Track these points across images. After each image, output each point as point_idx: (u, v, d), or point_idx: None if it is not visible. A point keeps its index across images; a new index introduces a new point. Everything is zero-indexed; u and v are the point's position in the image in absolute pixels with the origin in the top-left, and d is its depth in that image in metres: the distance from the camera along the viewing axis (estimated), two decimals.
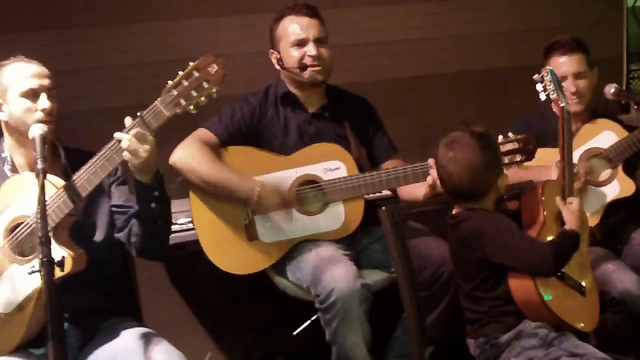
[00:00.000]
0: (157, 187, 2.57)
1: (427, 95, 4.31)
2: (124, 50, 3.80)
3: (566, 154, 2.82)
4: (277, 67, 3.31)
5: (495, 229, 2.60)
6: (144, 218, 2.60)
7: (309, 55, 3.22)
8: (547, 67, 2.97)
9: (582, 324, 2.65)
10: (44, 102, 2.59)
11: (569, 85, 3.35)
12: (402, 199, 3.33)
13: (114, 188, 2.74)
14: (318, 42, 3.24)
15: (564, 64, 3.38)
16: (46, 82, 2.62)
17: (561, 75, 3.33)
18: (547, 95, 2.91)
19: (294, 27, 3.25)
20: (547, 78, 2.92)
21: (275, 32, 3.31)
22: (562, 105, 2.86)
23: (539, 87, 2.94)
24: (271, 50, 3.34)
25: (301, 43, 3.23)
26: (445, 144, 2.69)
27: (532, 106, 3.29)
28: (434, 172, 2.99)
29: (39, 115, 2.58)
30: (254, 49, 3.79)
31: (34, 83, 2.60)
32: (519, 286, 2.58)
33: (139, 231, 2.64)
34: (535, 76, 2.95)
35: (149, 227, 2.62)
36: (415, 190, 3.16)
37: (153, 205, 2.57)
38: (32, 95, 2.60)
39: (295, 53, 3.23)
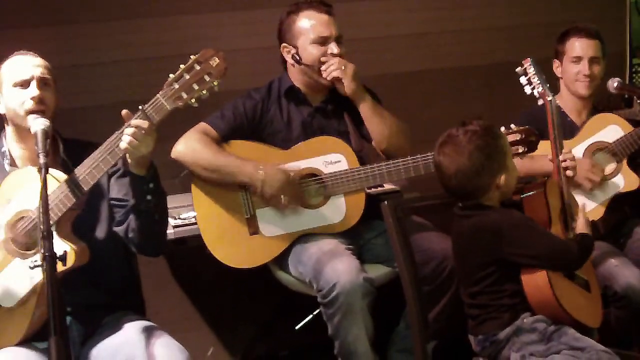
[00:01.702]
0: (151, 179, 2.58)
1: (429, 90, 4.30)
2: (124, 46, 3.79)
3: (558, 147, 2.85)
4: (291, 61, 3.27)
5: (514, 226, 2.57)
6: (140, 212, 2.60)
7: (331, 54, 3.20)
8: (528, 58, 2.97)
9: (591, 321, 2.66)
10: (32, 90, 2.59)
11: (583, 68, 3.41)
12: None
13: (114, 181, 2.73)
14: (337, 40, 3.23)
15: (582, 46, 3.43)
16: (38, 71, 2.62)
17: (577, 56, 3.42)
18: (533, 89, 2.92)
19: (315, 23, 3.21)
20: (531, 70, 2.93)
21: (292, 26, 3.25)
22: (549, 99, 2.87)
23: (522, 80, 2.95)
24: (284, 44, 3.29)
25: (324, 41, 3.21)
26: (439, 143, 2.67)
27: (534, 101, 3.28)
28: None
29: (30, 104, 2.58)
30: (256, 45, 3.79)
31: (26, 73, 2.61)
32: (534, 288, 2.57)
33: (136, 226, 2.64)
34: (518, 69, 2.96)
35: (146, 221, 2.62)
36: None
37: (149, 197, 2.58)
38: (24, 85, 2.60)
39: (317, 51, 3.21)
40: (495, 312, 2.59)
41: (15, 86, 2.61)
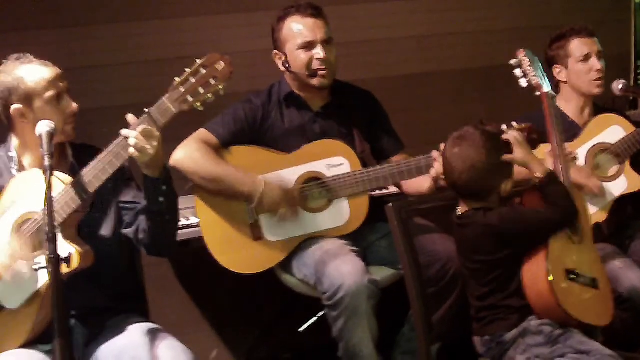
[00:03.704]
0: (164, 182, 2.57)
1: (431, 93, 4.32)
2: (126, 49, 3.80)
3: (557, 139, 2.79)
4: (283, 69, 3.27)
5: (506, 217, 2.61)
6: (152, 213, 2.60)
7: (317, 59, 3.18)
8: (524, 49, 2.93)
9: (601, 320, 2.66)
10: (72, 104, 2.62)
11: (594, 63, 3.38)
12: (407, 193, 3.31)
13: (122, 184, 2.73)
14: (325, 43, 3.20)
15: (587, 43, 3.40)
16: (65, 82, 2.63)
17: (585, 54, 3.38)
18: (529, 82, 2.87)
19: (300, 29, 3.19)
20: (526, 62, 2.88)
21: (279, 33, 3.25)
22: (545, 91, 2.83)
23: (517, 72, 2.90)
24: (275, 52, 3.29)
25: (309, 46, 3.19)
26: (454, 138, 2.68)
27: (536, 103, 3.28)
28: (437, 165, 2.98)
29: (69, 118, 2.61)
30: (257, 47, 3.79)
31: (58, 87, 2.59)
32: (537, 296, 2.57)
33: (146, 227, 2.63)
34: (512, 61, 2.91)
35: (157, 222, 2.62)
36: (421, 184, 3.15)
37: (161, 199, 2.57)
38: (58, 99, 2.59)
39: (303, 56, 3.19)
40: (504, 313, 2.60)
41: (49, 102, 2.57)
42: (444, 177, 2.79)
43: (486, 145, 2.62)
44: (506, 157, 2.65)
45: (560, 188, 2.66)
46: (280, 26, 3.25)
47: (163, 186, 2.57)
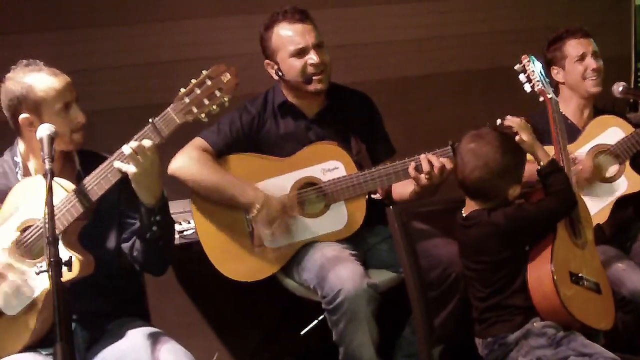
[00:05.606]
0: (159, 212, 2.54)
1: (432, 94, 4.32)
2: (124, 51, 3.79)
3: (561, 144, 2.82)
4: (276, 77, 3.24)
5: (510, 216, 2.61)
6: (145, 239, 2.58)
7: (311, 64, 3.15)
8: (527, 55, 2.96)
9: (603, 324, 2.66)
10: (81, 115, 2.60)
11: (590, 62, 3.42)
12: (395, 201, 3.29)
13: (125, 195, 2.66)
14: (317, 47, 3.18)
15: (583, 44, 3.45)
16: (74, 92, 2.61)
17: (580, 54, 3.43)
18: (532, 87, 2.91)
19: (290, 36, 3.16)
20: (530, 68, 2.91)
21: (269, 42, 3.22)
22: (549, 96, 2.86)
23: (522, 77, 2.94)
24: (267, 61, 3.25)
25: (301, 52, 3.16)
26: (471, 135, 2.69)
27: (538, 105, 3.28)
28: (425, 164, 2.97)
29: (77, 125, 2.59)
30: (255, 49, 3.77)
31: (68, 97, 2.58)
32: (542, 297, 2.58)
33: (140, 248, 2.62)
34: (517, 66, 2.95)
35: (150, 247, 2.60)
36: (405, 189, 3.15)
37: (154, 228, 2.55)
38: (66, 108, 2.57)
39: (297, 63, 3.16)
40: (508, 314, 2.61)
41: (59, 112, 2.55)
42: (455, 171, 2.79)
43: (502, 145, 2.64)
44: (517, 137, 2.68)
45: (562, 176, 2.68)
46: (268, 35, 3.22)
47: (157, 216, 2.54)
